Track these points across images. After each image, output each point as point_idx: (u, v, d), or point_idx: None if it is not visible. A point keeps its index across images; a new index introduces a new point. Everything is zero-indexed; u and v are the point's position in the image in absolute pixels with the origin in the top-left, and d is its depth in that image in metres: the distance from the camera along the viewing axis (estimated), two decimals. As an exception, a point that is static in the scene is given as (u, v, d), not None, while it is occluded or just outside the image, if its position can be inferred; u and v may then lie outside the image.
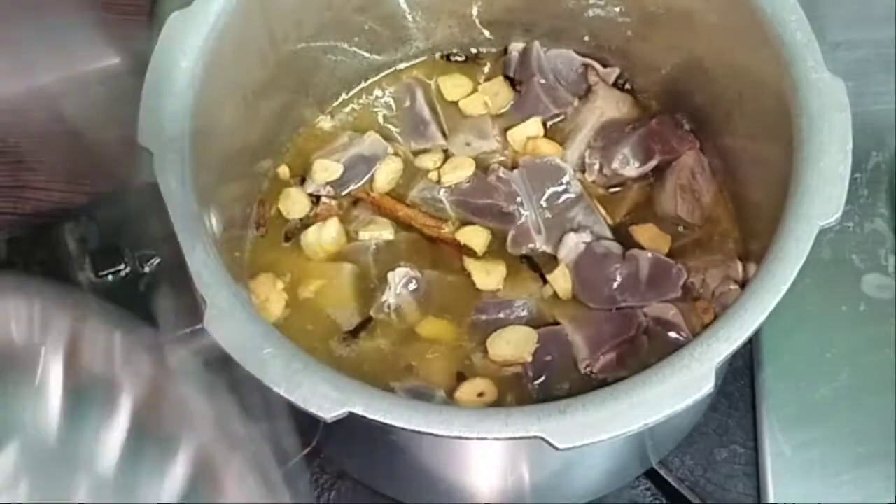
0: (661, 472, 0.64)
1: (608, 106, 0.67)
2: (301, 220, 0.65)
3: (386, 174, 0.65)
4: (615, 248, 0.62)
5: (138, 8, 0.81)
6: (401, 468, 0.60)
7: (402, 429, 0.46)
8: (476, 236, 0.63)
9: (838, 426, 0.66)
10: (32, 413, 0.39)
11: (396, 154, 0.66)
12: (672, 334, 0.59)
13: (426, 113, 0.67)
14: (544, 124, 0.67)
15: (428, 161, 0.66)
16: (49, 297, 0.41)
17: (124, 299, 0.50)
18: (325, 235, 0.63)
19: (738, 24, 0.58)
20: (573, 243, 0.62)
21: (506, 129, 0.67)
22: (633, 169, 0.64)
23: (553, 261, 0.62)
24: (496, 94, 0.68)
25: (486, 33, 0.69)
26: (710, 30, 0.61)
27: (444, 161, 0.65)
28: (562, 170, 0.64)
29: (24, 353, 0.40)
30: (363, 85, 0.69)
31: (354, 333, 0.61)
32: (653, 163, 0.64)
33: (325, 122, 0.68)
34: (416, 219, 0.64)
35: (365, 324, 0.61)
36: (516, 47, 0.69)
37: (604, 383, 0.54)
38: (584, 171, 0.65)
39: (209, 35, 0.55)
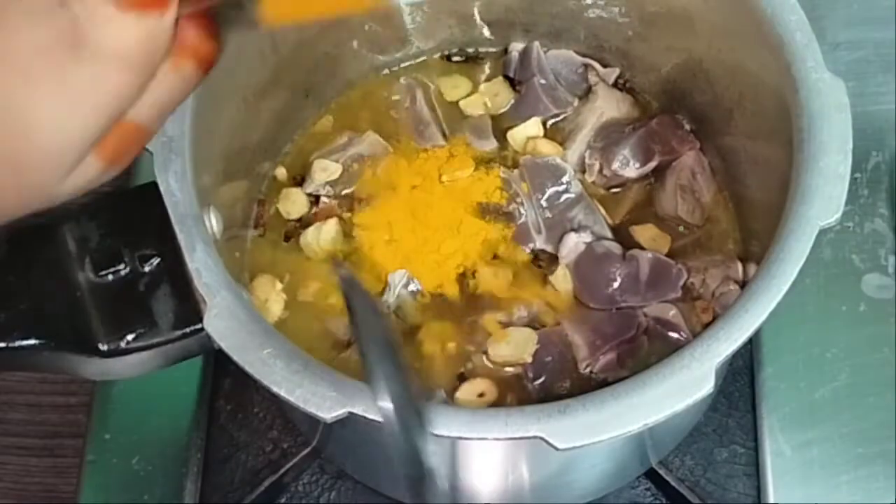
0: (661, 472, 0.64)
1: (608, 106, 0.67)
2: (300, 220, 0.65)
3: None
4: (615, 248, 0.62)
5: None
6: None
7: (402, 429, 0.46)
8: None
9: (838, 426, 0.66)
10: None
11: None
12: (672, 334, 0.59)
13: (426, 113, 0.67)
14: (544, 124, 0.67)
15: (428, 161, 0.66)
16: None
17: (124, 299, 0.50)
18: (324, 235, 0.63)
19: (738, 25, 0.58)
20: (573, 243, 0.62)
21: (506, 129, 0.67)
22: (632, 170, 0.64)
23: (553, 261, 0.62)
24: (496, 94, 0.68)
25: (486, 33, 0.69)
26: (710, 30, 0.61)
27: (445, 161, 0.65)
28: (562, 170, 0.64)
29: None
30: (363, 85, 0.69)
31: (349, 345, 0.60)
32: (653, 164, 0.64)
33: (325, 122, 0.68)
34: (416, 219, 0.64)
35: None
36: (516, 47, 0.69)
37: (604, 383, 0.54)
38: (584, 172, 0.65)
39: (209, 35, 0.55)
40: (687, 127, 0.66)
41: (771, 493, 0.64)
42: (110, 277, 0.50)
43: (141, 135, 0.39)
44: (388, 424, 0.42)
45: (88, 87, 0.36)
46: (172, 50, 0.37)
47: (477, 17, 0.68)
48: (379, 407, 0.41)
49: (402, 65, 0.70)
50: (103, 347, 0.49)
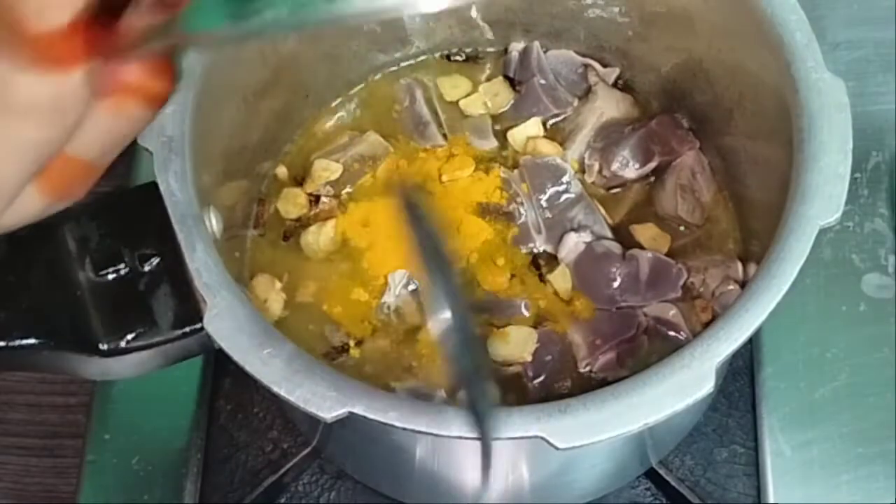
0: (661, 472, 0.64)
1: (608, 106, 0.67)
2: (300, 219, 0.65)
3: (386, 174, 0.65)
4: (615, 247, 0.62)
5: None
6: (401, 468, 0.60)
7: (402, 429, 0.46)
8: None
9: (838, 426, 0.66)
10: None
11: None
12: (672, 334, 0.59)
13: (426, 113, 0.67)
14: (544, 124, 0.67)
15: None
16: None
17: (124, 299, 0.50)
18: (324, 235, 0.63)
19: (738, 25, 0.58)
20: (573, 243, 0.62)
21: (506, 129, 0.67)
22: (632, 171, 0.64)
23: (553, 261, 0.62)
24: (496, 94, 0.68)
25: (487, 33, 0.69)
26: (709, 30, 0.61)
27: (445, 161, 0.65)
28: (562, 169, 0.64)
29: None
30: (363, 85, 0.69)
31: (343, 351, 0.61)
32: (652, 164, 0.64)
33: (325, 122, 0.68)
34: (416, 219, 0.64)
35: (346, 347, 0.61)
36: (516, 47, 0.69)
37: (604, 383, 0.54)
38: (584, 172, 0.65)
39: (209, 35, 0.55)
40: (687, 127, 0.66)
41: (771, 493, 0.64)
42: (110, 277, 0.50)
43: (89, 169, 0.39)
44: (444, 334, 0.41)
45: (3, 139, 0.36)
46: (111, 91, 0.37)
47: (477, 17, 0.68)
48: (436, 319, 0.41)
49: (402, 65, 0.70)
50: (103, 347, 0.49)
